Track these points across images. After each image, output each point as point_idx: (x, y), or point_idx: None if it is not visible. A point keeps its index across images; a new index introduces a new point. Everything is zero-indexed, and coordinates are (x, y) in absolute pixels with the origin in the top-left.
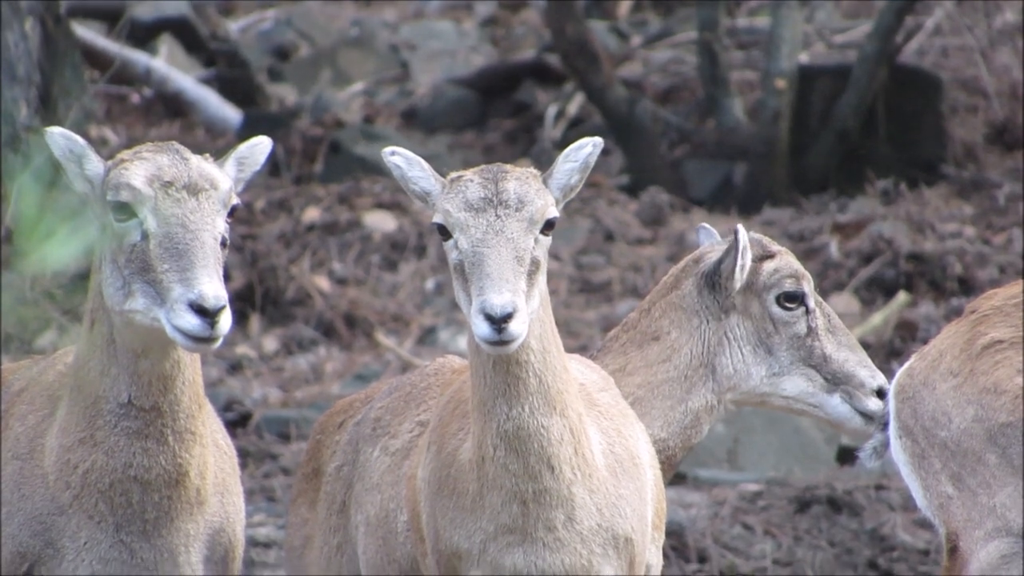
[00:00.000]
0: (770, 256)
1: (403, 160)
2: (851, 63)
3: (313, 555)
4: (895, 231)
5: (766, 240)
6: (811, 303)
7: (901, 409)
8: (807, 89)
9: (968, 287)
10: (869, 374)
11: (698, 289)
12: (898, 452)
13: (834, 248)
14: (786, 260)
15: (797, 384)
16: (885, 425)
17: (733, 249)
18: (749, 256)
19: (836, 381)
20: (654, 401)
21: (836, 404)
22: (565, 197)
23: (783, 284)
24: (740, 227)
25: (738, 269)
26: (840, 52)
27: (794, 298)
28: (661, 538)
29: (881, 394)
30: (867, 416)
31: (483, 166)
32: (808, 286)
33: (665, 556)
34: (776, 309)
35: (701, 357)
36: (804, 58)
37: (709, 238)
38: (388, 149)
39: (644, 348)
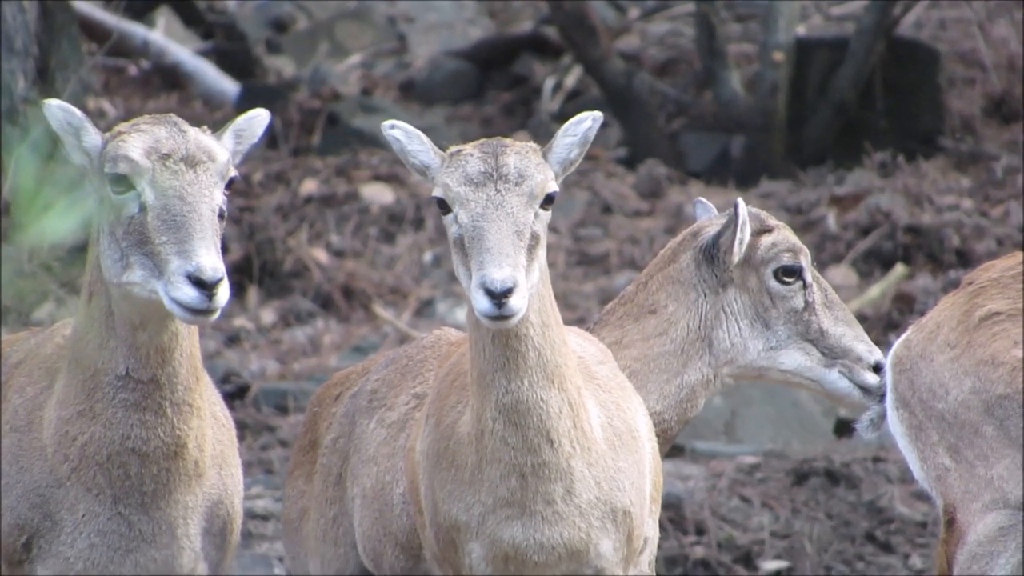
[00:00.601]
0: (768, 230)
1: (402, 133)
2: (849, 35)
3: (310, 527)
4: (893, 203)
5: (764, 214)
6: (808, 277)
7: (898, 381)
8: (805, 62)
9: (965, 259)
10: (866, 349)
11: (696, 263)
12: (895, 424)
13: (832, 220)
14: (784, 234)
15: (795, 358)
16: (882, 397)
17: (732, 223)
18: (748, 230)
19: (834, 355)
20: (650, 374)
21: (835, 378)
22: (564, 171)
23: (781, 258)
24: (740, 201)
25: (737, 243)
26: (838, 24)
27: (792, 272)
28: (658, 510)
29: (878, 369)
30: (865, 390)
31: (483, 140)
32: (806, 260)
33: (663, 528)
34: (774, 283)
35: (698, 331)
36: (802, 30)
37: (706, 212)
38: (387, 123)
39: (641, 321)
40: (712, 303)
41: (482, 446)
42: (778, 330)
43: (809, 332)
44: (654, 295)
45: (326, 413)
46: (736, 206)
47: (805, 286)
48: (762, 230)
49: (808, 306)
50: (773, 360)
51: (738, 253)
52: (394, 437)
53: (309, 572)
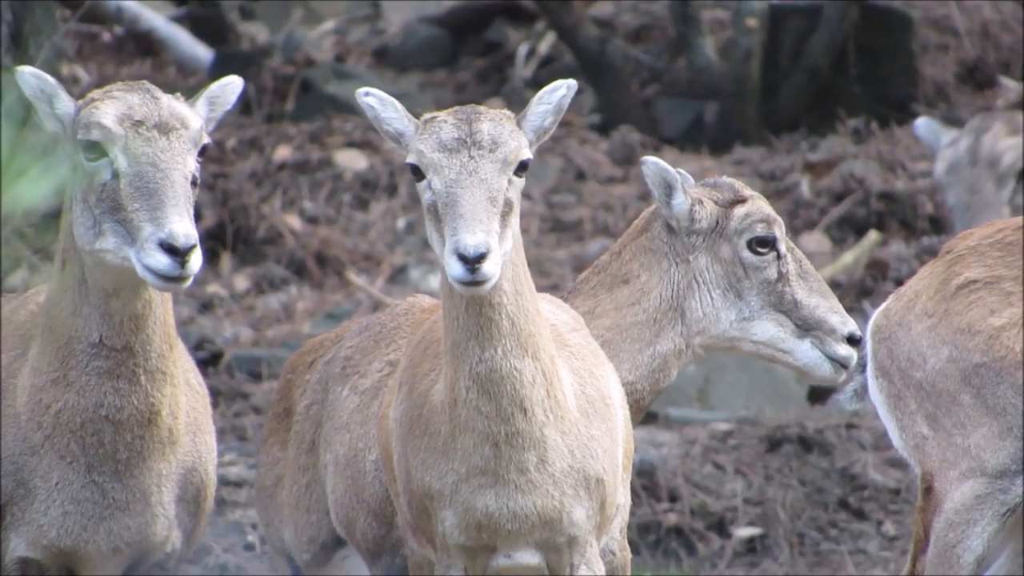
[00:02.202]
0: (741, 201)
1: (376, 101)
2: (822, 2)
3: (284, 494)
4: (866, 170)
5: (738, 184)
6: (782, 248)
7: (878, 350)
8: (778, 28)
9: (939, 226)
10: (840, 320)
11: (667, 232)
12: (875, 392)
13: (805, 187)
14: (758, 205)
15: (767, 329)
16: (864, 367)
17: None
18: (666, 191)
19: (807, 327)
20: (623, 344)
21: (806, 349)
22: (539, 139)
23: (754, 229)
24: (647, 160)
25: (662, 206)
26: None
27: (765, 243)
28: (630, 478)
29: (851, 340)
30: (837, 362)
31: (457, 107)
32: (779, 231)
33: (636, 495)
34: (747, 254)
35: (670, 300)
36: None
37: (685, 182)
38: (362, 90)
39: (614, 291)
40: (684, 273)
41: (456, 415)
42: (751, 300)
43: (782, 303)
44: (627, 264)
45: (300, 380)
46: (643, 164)
47: (779, 257)
48: (735, 200)
49: (782, 277)
50: (745, 331)
51: (676, 218)
52: (367, 404)
53: (284, 539)
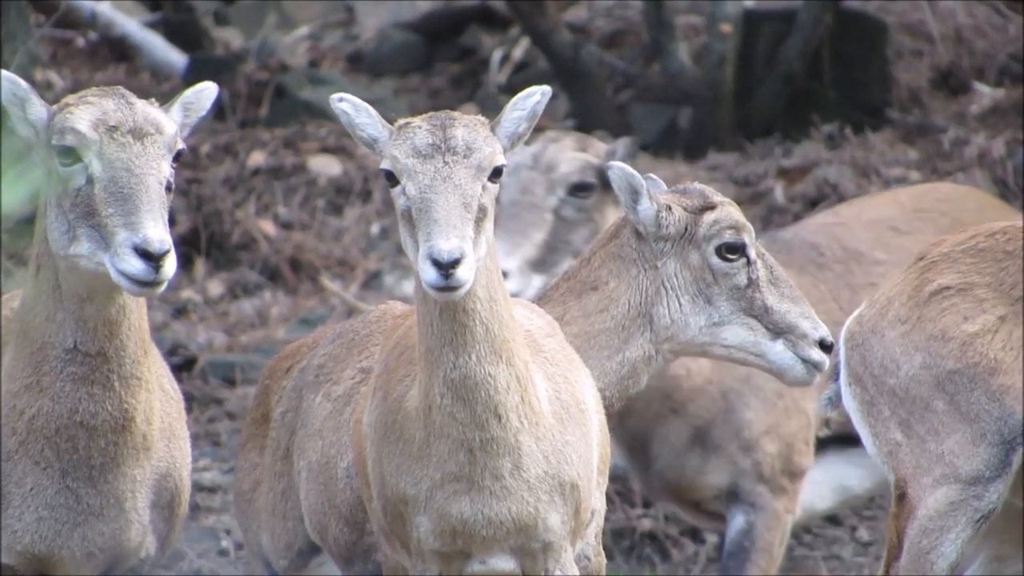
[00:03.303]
0: (711, 207)
1: (350, 107)
2: (796, 7)
3: (261, 500)
4: (840, 175)
5: (709, 191)
6: (752, 254)
7: (851, 356)
8: (752, 33)
9: None
10: (811, 325)
11: (636, 238)
12: (848, 400)
13: (779, 192)
14: (727, 211)
15: (738, 333)
16: (837, 374)
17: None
18: (630, 195)
19: (778, 331)
20: (591, 351)
21: (779, 351)
22: (513, 145)
23: (723, 235)
24: (614, 165)
25: (627, 210)
26: None
27: (734, 249)
28: (605, 483)
29: (823, 345)
30: (810, 364)
31: (431, 113)
32: (749, 237)
33: (610, 501)
34: (716, 260)
35: (639, 307)
36: (749, 2)
37: (655, 188)
38: (336, 96)
39: (583, 298)
40: (653, 279)
41: (430, 421)
42: (721, 306)
43: (753, 308)
44: (596, 271)
45: (276, 386)
46: (609, 170)
47: (749, 263)
48: (705, 207)
49: (752, 283)
50: (715, 336)
51: (642, 224)
52: (339, 411)
53: (262, 544)
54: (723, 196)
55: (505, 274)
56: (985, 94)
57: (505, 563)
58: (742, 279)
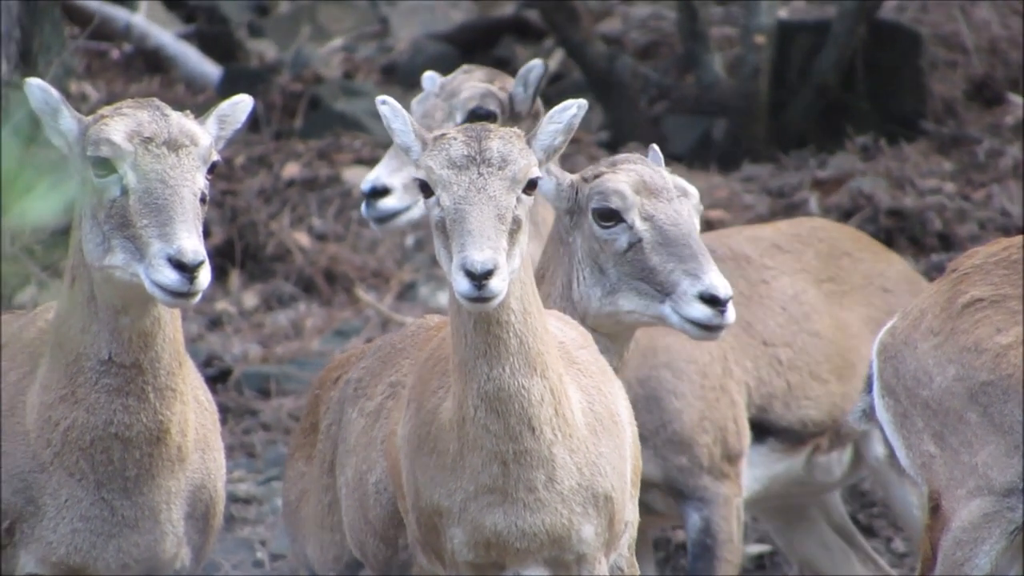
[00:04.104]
0: (597, 175)
1: (389, 110)
2: (831, 18)
3: (308, 510)
4: (875, 187)
5: (621, 159)
6: (632, 218)
7: (883, 368)
8: (787, 44)
9: (948, 243)
10: (691, 281)
11: (561, 215)
12: (881, 411)
13: (814, 204)
14: (605, 177)
15: (630, 299)
16: (870, 387)
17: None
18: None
19: (664, 291)
20: None
21: (669, 314)
22: (548, 158)
23: (595, 201)
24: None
25: (541, 185)
26: (820, 7)
27: (607, 215)
28: (638, 494)
29: (704, 298)
30: (696, 324)
31: (466, 124)
32: (621, 201)
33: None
34: (596, 228)
35: (566, 287)
36: (784, 13)
37: (656, 160)
38: (380, 98)
39: (538, 290)
40: (568, 255)
41: (464, 433)
42: (610, 272)
43: (638, 271)
44: (544, 261)
45: (326, 397)
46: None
47: (629, 228)
48: (595, 175)
49: (632, 247)
50: (615, 304)
51: (546, 198)
52: (371, 427)
53: (307, 554)
54: (641, 163)
55: (388, 189)
56: (1020, 105)
57: (539, 574)
58: (622, 243)
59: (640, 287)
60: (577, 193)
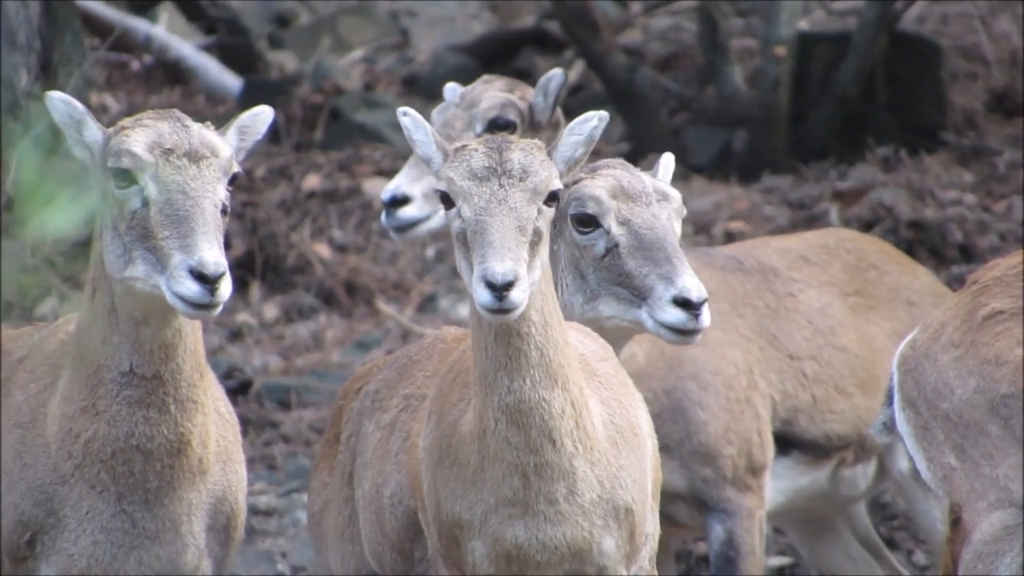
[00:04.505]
0: (576, 181)
1: (411, 122)
2: (851, 30)
3: (330, 522)
4: (895, 198)
5: (600, 164)
6: (608, 223)
7: (904, 381)
8: (807, 56)
9: (968, 254)
10: (665, 285)
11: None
12: (902, 424)
13: (834, 215)
14: (583, 183)
15: (610, 305)
16: (891, 400)
17: None
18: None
19: (641, 296)
20: None
21: (645, 318)
22: (569, 170)
23: (574, 207)
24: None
25: None
26: (840, 19)
27: (584, 221)
28: (659, 506)
29: (677, 302)
30: (671, 329)
31: (488, 136)
32: (596, 207)
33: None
34: (575, 233)
35: (559, 297)
36: (804, 25)
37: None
38: (401, 109)
39: None
40: (554, 263)
41: (484, 445)
42: (589, 278)
43: (616, 276)
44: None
45: (348, 407)
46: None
47: (606, 233)
48: (575, 181)
49: (609, 252)
50: (595, 310)
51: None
52: (386, 440)
53: (330, 565)
54: (622, 168)
55: (408, 199)
56: None
57: None
58: (600, 248)
59: (619, 292)
60: (559, 200)
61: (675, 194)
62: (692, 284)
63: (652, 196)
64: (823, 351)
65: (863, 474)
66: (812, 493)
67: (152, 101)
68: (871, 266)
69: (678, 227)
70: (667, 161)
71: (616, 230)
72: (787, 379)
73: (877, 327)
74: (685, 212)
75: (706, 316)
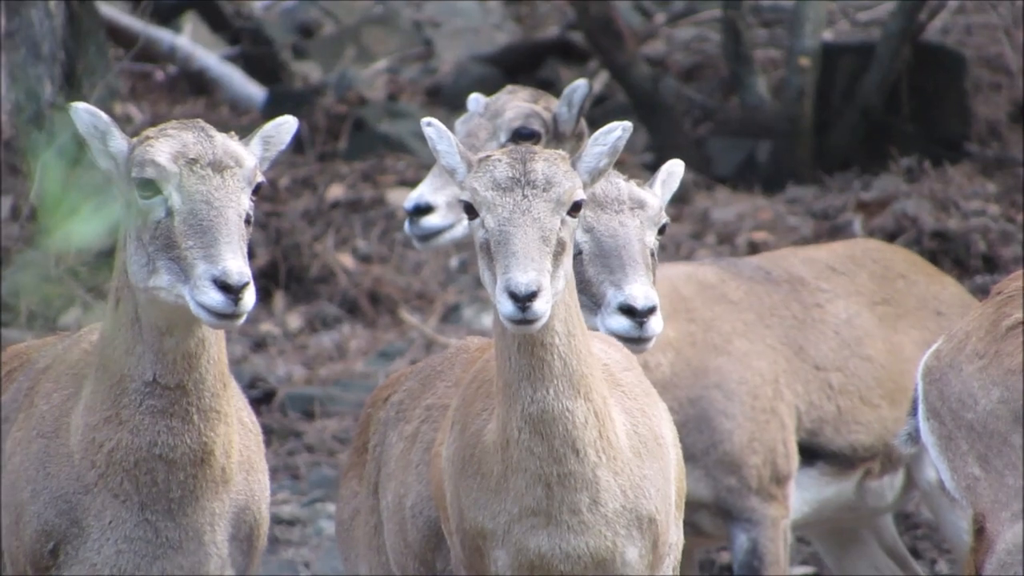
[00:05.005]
0: None
1: (435, 132)
2: (875, 41)
3: (358, 531)
4: (919, 209)
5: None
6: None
7: (928, 391)
8: (831, 67)
9: (992, 265)
10: (614, 292)
11: None
12: (926, 434)
13: (858, 226)
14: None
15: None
16: (915, 410)
17: None
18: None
19: (596, 303)
20: None
21: (598, 325)
22: (593, 181)
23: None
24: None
25: None
26: (864, 30)
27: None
28: (682, 516)
29: (623, 309)
30: (619, 337)
31: (511, 147)
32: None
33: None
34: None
35: None
36: (828, 36)
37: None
38: (425, 119)
39: None
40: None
41: (508, 455)
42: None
43: (579, 284)
44: None
45: (376, 416)
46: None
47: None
48: None
49: (576, 258)
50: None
51: None
52: (408, 450)
53: (360, 573)
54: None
55: (431, 207)
56: None
57: None
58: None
59: (582, 300)
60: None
61: (652, 201)
62: (639, 292)
63: (626, 203)
64: (849, 362)
65: (890, 485)
66: (838, 504)
67: (176, 111)
68: (898, 276)
69: (651, 235)
70: (672, 168)
71: (580, 237)
72: (813, 390)
73: (905, 337)
74: (665, 220)
75: (654, 324)
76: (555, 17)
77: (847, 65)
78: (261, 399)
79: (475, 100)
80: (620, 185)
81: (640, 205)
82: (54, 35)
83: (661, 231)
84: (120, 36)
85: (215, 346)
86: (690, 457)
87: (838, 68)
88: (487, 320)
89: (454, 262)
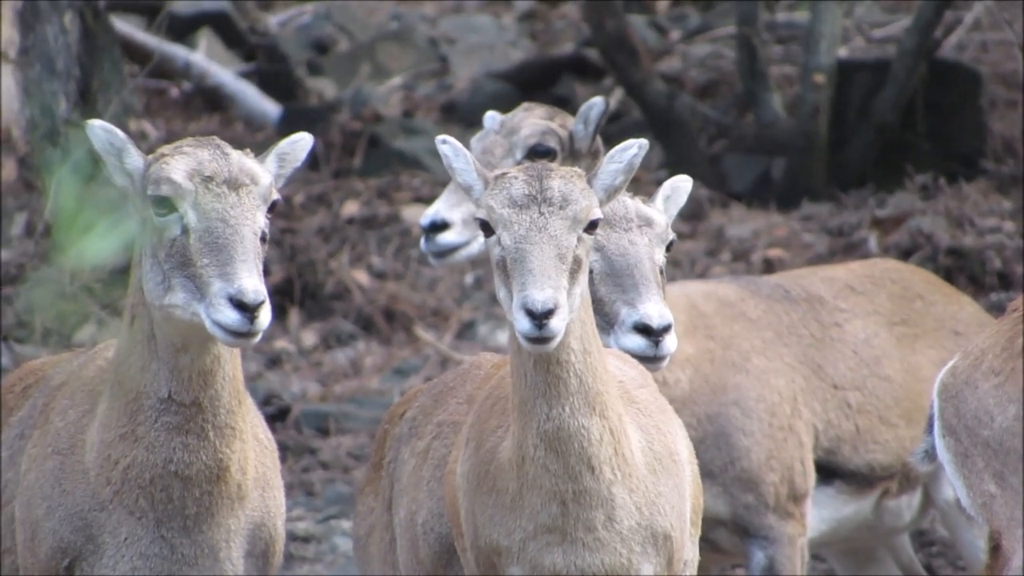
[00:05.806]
0: None
1: (451, 149)
2: (890, 58)
3: (374, 547)
4: (934, 226)
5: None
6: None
7: (944, 408)
8: (846, 84)
9: (1007, 282)
10: (628, 311)
11: None
12: (942, 451)
13: (873, 243)
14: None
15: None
16: (931, 427)
17: None
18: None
19: (609, 322)
20: None
21: (612, 344)
22: (609, 198)
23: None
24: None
25: None
26: (879, 47)
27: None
28: (698, 533)
29: (639, 328)
30: (635, 356)
31: (528, 164)
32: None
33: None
34: None
35: None
36: (843, 53)
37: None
38: (440, 137)
39: None
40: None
41: (523, 472)
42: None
43: (592, 303)
44: None
45: (391, 432)
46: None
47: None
48: None
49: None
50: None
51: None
52: (419, 467)
53: None
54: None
55: (447, 224)
56: None
57: None
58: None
59: (595, 319)
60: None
61: (660, 219)
62: (654, 311)
63: (634, 222)
64: (868, 381)
65: (908, 505)
66: (856, 523)
67: (191, 128)
68: (917, 296)
69: (659, 253)
70: (677, 183)
71: (591, 256)
72: (831, 408)
73: (923, 357)
74: (672, 236)
75: (669, 343)
76: (570, 34)
77: (862, 82)
78: (276, 416)
79: (491, 117)
80: (627, 203)
81: (648, 223)
82: (69, 51)
83: (668, 248)
84: (135, 52)
85: (230, 363)
86: (708, 474)
87: (853, 85)
88: (502, 337)
89: (469, 279)
